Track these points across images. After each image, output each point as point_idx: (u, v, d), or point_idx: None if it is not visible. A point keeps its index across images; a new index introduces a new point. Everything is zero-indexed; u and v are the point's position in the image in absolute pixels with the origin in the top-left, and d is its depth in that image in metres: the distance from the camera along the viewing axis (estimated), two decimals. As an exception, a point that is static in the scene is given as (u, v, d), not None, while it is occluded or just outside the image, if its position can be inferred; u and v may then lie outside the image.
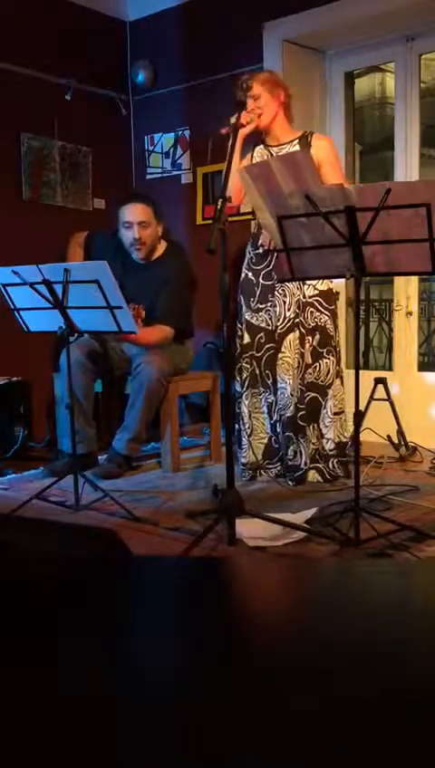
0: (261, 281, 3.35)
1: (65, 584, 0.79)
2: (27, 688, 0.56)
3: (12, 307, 3.02)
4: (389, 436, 3.82)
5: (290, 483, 3.30)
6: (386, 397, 3.79)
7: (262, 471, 3.44)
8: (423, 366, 4.90)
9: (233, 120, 3.16)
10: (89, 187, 4.81)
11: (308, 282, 3.25)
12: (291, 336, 3.29)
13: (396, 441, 3.80)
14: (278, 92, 3.30)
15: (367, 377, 3.98)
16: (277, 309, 3.30)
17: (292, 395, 3.29)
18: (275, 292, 3.30)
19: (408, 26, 4.04)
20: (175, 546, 2.52)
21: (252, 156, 3.37)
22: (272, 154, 3.29)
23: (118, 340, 3.59)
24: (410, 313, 4.28)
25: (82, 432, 3.44)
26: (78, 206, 4.75)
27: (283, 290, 3.29)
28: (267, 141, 3.39)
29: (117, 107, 4.97)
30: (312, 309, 3.29)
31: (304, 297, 3.29)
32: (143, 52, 4.93)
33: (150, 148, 5.02)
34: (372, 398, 3.78)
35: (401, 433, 3.80)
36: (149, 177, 5.02)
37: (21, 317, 3.04)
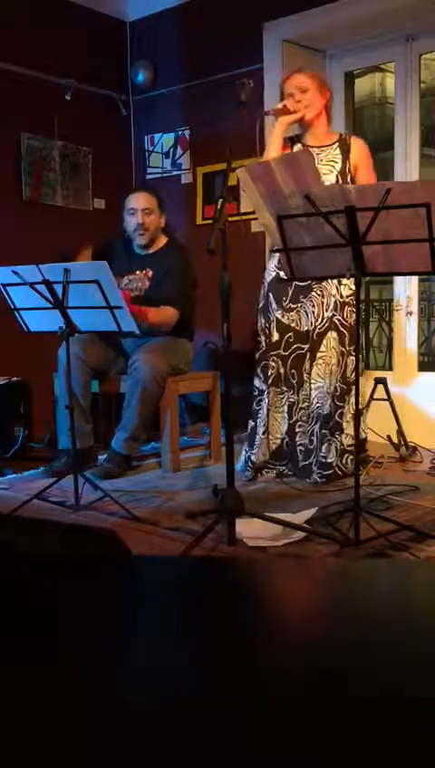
0: (295, 281, 3.36)
1: (65, 584, 0.79)
2: (27, 688, 0.56)
3: (12, 307, 3.02)
4: (389, 436, 3.82)
5: (319, 480, 3.29)
6: (386, 397, 3.79)
7: (263, 471, 3.44)
8: (423, 366, 4.90)
9: (280, 105, 3.21)
10: (89, 187, 4.81)
11: (343, 281, 3.27)
12: (329, 335, 3.31)
13: (396, 441, 3.80)
14: (325, 92, 3.33)
15: (367, 377, 3.98)
16: (315, 309, 3.32)
17: (328, 393, 3.31)
18: (313, 293, 3.32)
19: (408, 26, 4.04)
20: (175, 546, 2.52)
21: (292, 149, 3.37)
22: (315, 157, 3.28)
23: (120, 336, 3.59)
24: (410, 313, 4.28)
25: (79, 428, 3.44)
26: (78, 206, 4.75)
27: (320, 290, 3.32)
28: (307, 141, 3.39)
29: (117, 107, 4.97)
30: (348, 308, 3.31)
31: (341, 297, 3.31)
32: (143, 52, 4.93)
33: (150, 148, 5.02)
34: (371, 398, 3.78)
35: (401, 433, 3.80)
36: (149, 177, 5.02)
37: (21, 317, 3.04)
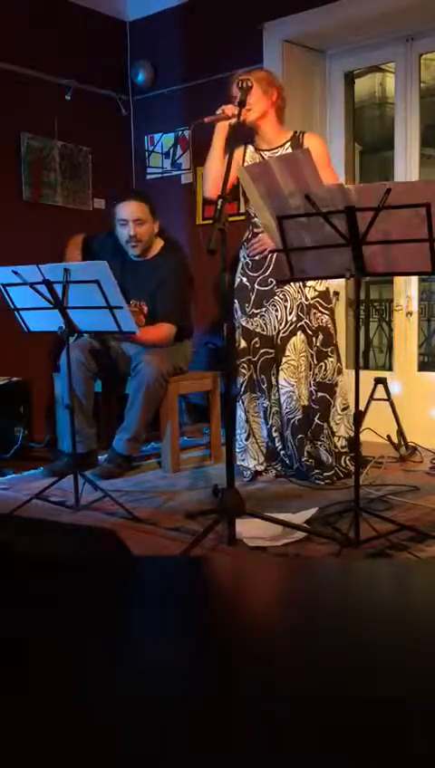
0: (256, 286, 3.35)
1: (65, 584, 0.79)
2: (27, 688, 0.56)
3: (12, 307, 3.02)
4: (389, 436, 3.82)
5: (320, 482, 3.29)
6: (386, 397, 3.79)
7: (263, 472, 3.44)
8: (423, 366, 4.90)
9: (218, 111, 3.14)
10: (89, 187, 4.81)
11: (308, 284, 3.25)
12: (294, 339, 3.29)
13: (396, 441, 3.80)
14: (272, 92, 3.24)
15: (367, 377, 3.98)
16: (278, 313, 3.31)
17: (298, 398, 3.29)
18: (275, 297, 3.30)
19: (408, 26, 4.04)
20: (175, 546, 2.52)
21: (244, 155, 3.31)
22: (264, 158, 3.25)
23: (119, 340, 3.59)
24: (410, 313, 4.28)
25: (82, 431, 3.44)
26: (78, 206, 4.75)
27: (283, 294, 3.29)
28: (258, 144, 3.34)
29: (117, 107, 4.97)
30: (314, 310, 3.29)
31: (307, 300, 3.29)
32: (143, 52, 4.93)
33: (150, 148, 5.02)
34: (371, 398, 3.78)
35: (401, 433, 3.80)
36: (149, 177, 5.02)
37: (21, 317, 3.04)
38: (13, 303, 3.00)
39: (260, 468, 3.44)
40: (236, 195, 4.47)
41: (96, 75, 4.79)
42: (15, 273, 2.85)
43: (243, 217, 4.42)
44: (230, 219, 2.54)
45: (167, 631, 0.68)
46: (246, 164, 3.25)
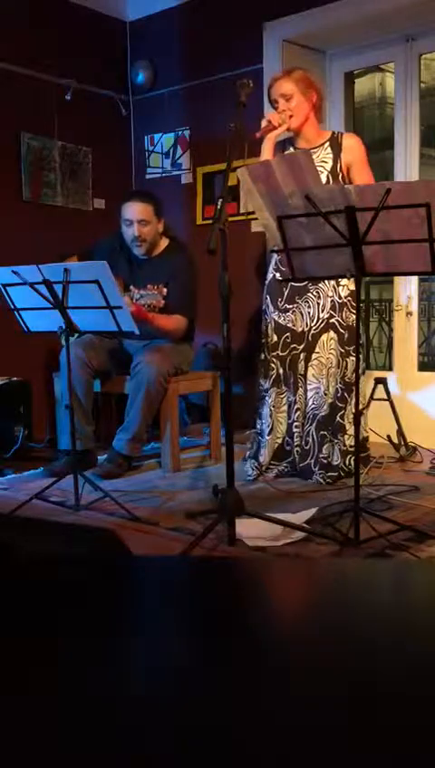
0: (290, 282, 3.36)
1: (65, 584, 0.79)
2: (27, 688, 0.56)
3: (12, 307, 3.02)
4: (389, 436, 3.82)
5: (323, 481, 3.29)
6: (386, 397, 3.79)
7: (264, 471, 3.44)
8: (423, 366, 4.90)
9: (264, 123, 3.17)
10: (89, 187, 4.81)
11: (341, 282, 3.26)
12: (325, 336, 3.31)
13: (396, 441, 3.80)
14: (311, 94, 3.26)
15: (367, 377, 3.98)
16: (311, 310, 3.32)
17: (325, 394, 3.30)
18: (309, 294, 3.32)
19: (408, 26, 4.04)
20: (175, 546, 2.52)
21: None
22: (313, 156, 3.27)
23: (124, 336, 3.57)
24: (410, 313, 4.28)
25: (81, 429, 3.44)
26: (78, 206, 4.75)
27: (316, 291, 3.31)
28: (299, 144, 3.36)
29: (117, 107, 4.97)
30: (346, 309, 3.31)
31: (340, 298, 3.30)
32: (143, 52, 4.93)
33: (150, 148, 5.02)
34: (371, 398, 3.78)
35: (401, 433, 3.80)
36: (149, 177, 5.02)
37: (21, 317, 3.04)
38: (13, 303, 3.00)
39: (268, 460, 3.42)
40: (237, 195, 4.47)
41: (96, 75, 4.79)
42: (15, 273, 2.85)
43: (243, 217, 4.43)
44: (230, 219, 2.53)
45: (166, 631, 0.68)
46: None
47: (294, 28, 4.21)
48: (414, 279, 4.27)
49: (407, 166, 4.21)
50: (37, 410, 4.24)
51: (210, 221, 2.46)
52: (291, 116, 3.21)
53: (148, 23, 4.90)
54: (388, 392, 3.79)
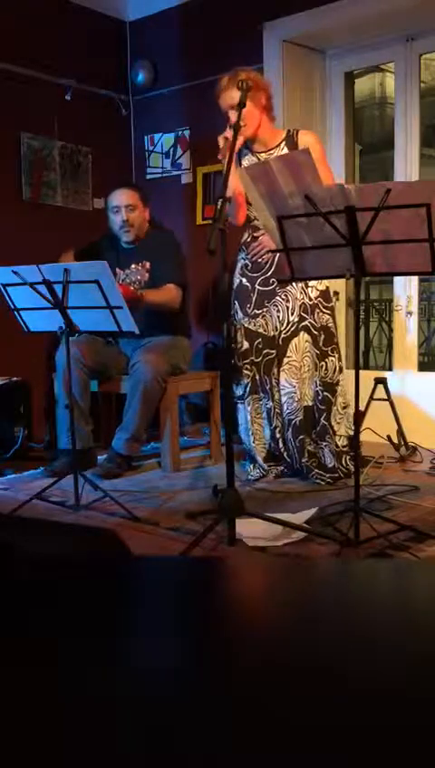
0: (257, 287, 3.34)
1: (65, 584, 0.79)
2: (27, 688, 0.56)
3: (12, 307, 3.02)
4: (389, 437, 3.82)
5: (323, 482, 3.29)
6: (386, 397, 3.79)
7: (266, 472, 3.44)
8: (423, 366, 4.91)
9: (221, 142, 3.02)
10: (89, 187, 4.81)
11: (310, 284, 3.24)
12: (296, 340, 3.28)
13: (396, 441, 3.80)
14: (259, 97, 3.14)
15: (367, 377, 3.98)
16: (280, 314, 3.30)
17: (300, 399, 3.29)
18: (277, 297, 3.30)
19: (408, 26, 4.04)
20: (175, 546, 2.52)
21: (239, 163, 3.22)
22: (260, 160, 3.21)
23: (123, 336, 3.58)
24: (410, 313, 4.28)
25: (79, 429, 3.44)
26: (78, 206, 4.75)
27: (285, 294, 3.29)
28: (255, 148, 3.29)
29: (117, 107, 4.97)
30: (317, 310, 3.29)
31: (310, 299, 3.28)
32: (143, 52, 4.93)
33: (150, 148, 5.02)
34: (371, 398, 3.78)
35: (401, 433, 3.80)
36: (149, 177, 5.02)
37: (21, 317, 3.04)
38: (13, 303, 3.00)
39: (264, 470, 3.43)
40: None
41: (96, 75, 4.79)
42: (15, 273, 2.85)
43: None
44: (230, 219, 2.53)
45: (166, 631, 0.68)
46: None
47: (294, 28, 4.21)
48: (414, 279, 4.27)
49: (407, 166, 4.21)
50: (37, 410, 4.25)
51: (210, 221, 2.45)
52: (245, 125, 3.01)
53: (148, 23, 4.90)
54: (388, 392, 3.79)
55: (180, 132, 4.85)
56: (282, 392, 3.32)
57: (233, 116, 3.01)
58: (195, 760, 0.46)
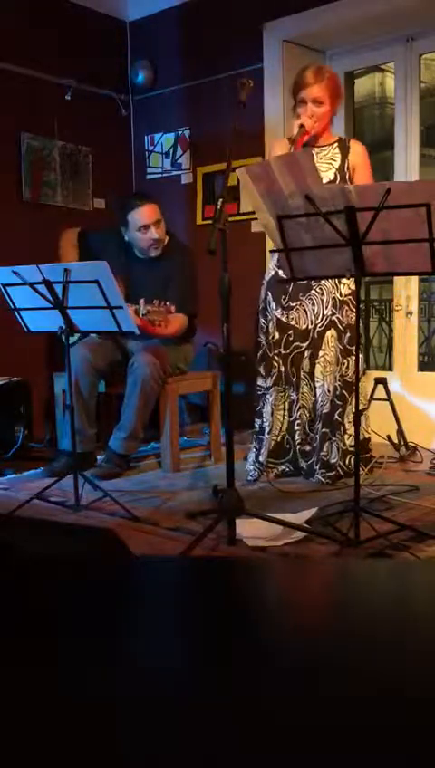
0: (293, 281, 3.34)
1: (65, 584, 0.79)
2: (27, 688, 0.56)
3: (12, 307, 3.02)
4: (389, 436, 3.82)
5: (323, 480, 3.29)
6: (386, 397, 3.79)
7: (266, 469, 3.44)
8: (423, 366, 4.90)
9: (298, 128, 3.19)
10: (89, 187, 4.81)
11: (342, 280, 3.26)
12: (328, 334, 3.30)
13: (396, 441, 3.80)
14: (336, 102, 3.29)
15: (367, 377, 3.98)
16: (315, 307, 3.31)
17: (328, 391, 3.30)
18: (313, 291, 3.31)
19: (408, 26, 4.04)
20: (175, 546, 2.52)
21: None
22: (314, 155, 3.25)
23: (135, 337, 3.53)
24: (410, 313, 4.28)
25: (83, 432, 3.44)
26: (78, 206, 4.75)
27: (320, 288, 3.31)
28: (311, 142, 3.35)
29: (117, 107, 4.97)
30: (346, 307, 3.30)
31: (341, 295, 3.30)
32: (143, 52, 4.93)
33: (150, 148, 5.02)
34: (372, 398, 3.78)
35: (401, 433, 3.80)
36: (149, 177, 5.02)
37: (21, 317, 3.04)
38: (13, 303, 3.00)
39: (261, 468, 3.43)
40: (237, 195, 4.47)
41: (96, 75, 4.79)
42: (15, 273, 2.85)
43: (243, 217, 4.43)
44: (230, 219, 2.53)
45: (166, 631, 0.68)
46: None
47: (294, 28, 4.21)
48: (414, 279, 4.27)
49: (407, 166, 4.21)
50: (37, 410, 4.25)
51: (210, 221, 2.45)
52: (317, 121, 3.21)
53: (148, 23, 4.90)
54: (388, 392, 3.79)
55: (180, 132, 4.85)
56: (317, 384, 3.33)
57: (311, 110, 3.21)
58: (195, 760, 0.46)
